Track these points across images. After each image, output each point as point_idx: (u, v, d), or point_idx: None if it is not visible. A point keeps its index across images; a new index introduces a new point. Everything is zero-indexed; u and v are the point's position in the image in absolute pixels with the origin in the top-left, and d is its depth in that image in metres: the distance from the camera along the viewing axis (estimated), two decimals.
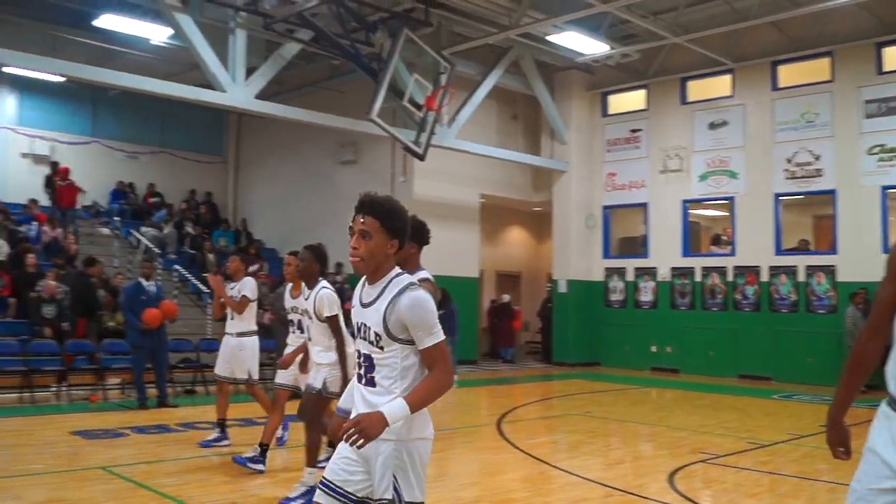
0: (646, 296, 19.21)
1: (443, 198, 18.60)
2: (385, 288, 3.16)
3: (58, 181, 18.26)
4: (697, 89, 18.69)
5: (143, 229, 19.06)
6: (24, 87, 19.19)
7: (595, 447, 9.25)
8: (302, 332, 6.82)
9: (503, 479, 7.53)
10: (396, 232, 3.16)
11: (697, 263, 18.42)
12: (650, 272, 19.13)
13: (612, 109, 20.28)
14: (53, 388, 12.26)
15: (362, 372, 3.20)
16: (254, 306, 8.50)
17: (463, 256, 18.97)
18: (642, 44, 17.29)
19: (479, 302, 20.46)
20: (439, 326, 3.11)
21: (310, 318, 6.35)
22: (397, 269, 3.22)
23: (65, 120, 20.32)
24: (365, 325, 3.18)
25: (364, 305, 3.24)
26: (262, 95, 14.48)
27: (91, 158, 20.48)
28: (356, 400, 3.23)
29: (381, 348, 3.11)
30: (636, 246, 19.91)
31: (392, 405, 2.96)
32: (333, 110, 16.07)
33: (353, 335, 3.35)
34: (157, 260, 16.90)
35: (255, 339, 8.47)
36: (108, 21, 15.27)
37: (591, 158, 20.23)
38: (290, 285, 7.23)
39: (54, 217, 17.59)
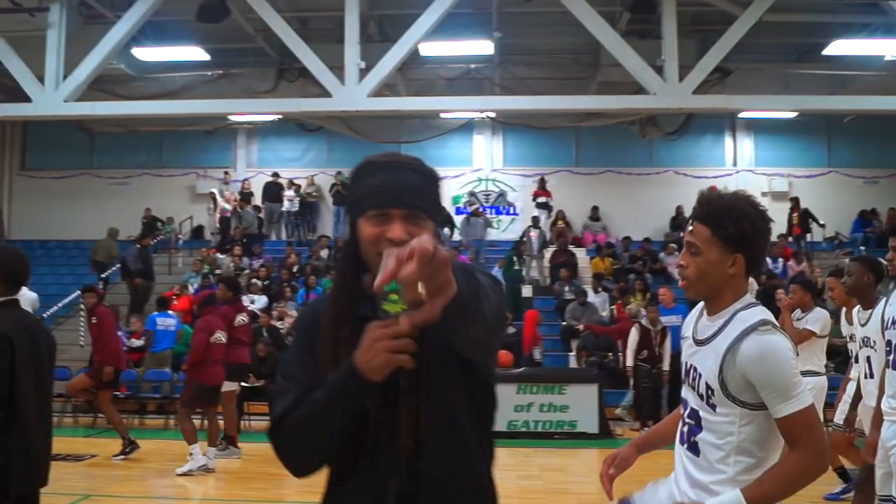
0: None
1: None
2: (727, 323, 2.29)
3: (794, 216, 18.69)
4: None
5: None
6: (758, 128, 20.05)
7: None
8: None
9: None
10: (737, 243, 2.27)
11: None
12: None
13: None
14: None
15: (685, 430, 2.39)
16: (820, 343, 7.10)
17: None
18: None
19: None
20: (802, 387, 2.20)
21: (871, 346, 4.96)
22: (747, 299, 2.32)
23: (799, 154, 20.55)
24: (695, 370, 2.35)
25: (698, 342, 2.38)
26: None
27: (828, 189, 20.23)
28: (677, 464, 2.43)
29: (713, 407, 2.28)
30: None
31: (722, 501, 2.16)
32: None
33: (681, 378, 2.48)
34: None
35: (817, 379, 6.83)
36: (838, 48, 15.09)
37: None
38: (843, 311, 6.36)
39: (799, 252, 17.82)
